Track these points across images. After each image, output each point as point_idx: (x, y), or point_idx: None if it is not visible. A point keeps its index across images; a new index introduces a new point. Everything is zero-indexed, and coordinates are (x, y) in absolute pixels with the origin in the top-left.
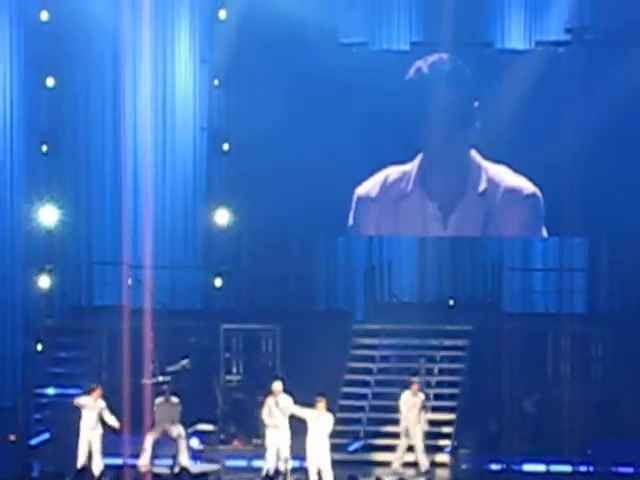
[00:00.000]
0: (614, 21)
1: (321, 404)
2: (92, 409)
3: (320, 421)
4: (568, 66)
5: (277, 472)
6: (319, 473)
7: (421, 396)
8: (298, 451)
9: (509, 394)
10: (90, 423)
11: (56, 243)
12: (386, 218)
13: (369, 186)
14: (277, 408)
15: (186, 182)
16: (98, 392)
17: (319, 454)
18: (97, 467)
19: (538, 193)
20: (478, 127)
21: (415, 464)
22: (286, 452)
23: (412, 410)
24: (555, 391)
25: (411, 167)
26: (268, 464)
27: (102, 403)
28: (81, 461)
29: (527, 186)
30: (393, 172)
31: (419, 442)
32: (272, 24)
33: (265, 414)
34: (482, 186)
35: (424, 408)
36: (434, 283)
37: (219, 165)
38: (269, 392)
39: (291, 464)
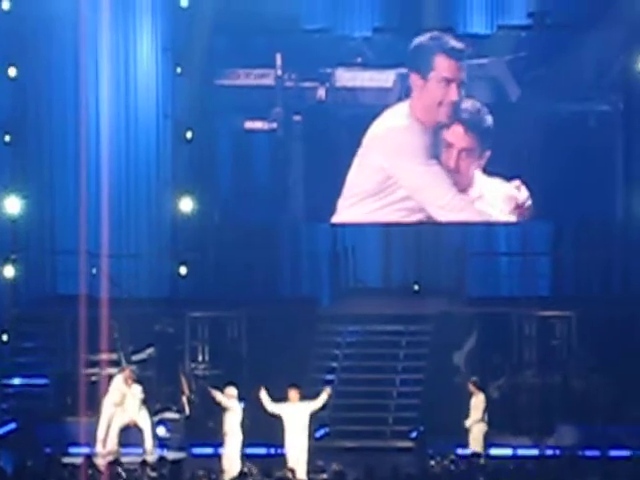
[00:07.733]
0: (575, 5)
1: (293, 394)
2: (118, 389)
3: (295, 413)
4: (529, 50)
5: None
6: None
7: (480, 396)
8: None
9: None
10: (114, 400)
11: (20, 233)
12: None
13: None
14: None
15: (150, 170)
16: (128, 373)
17: (296, 445)
18: (111, 444)
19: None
20: None
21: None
22: (237, 461)
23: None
24: (520, 375)
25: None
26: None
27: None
28: (100, 437)
29: None
30: None
31: (479, 442)
32: (234, 11)
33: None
34: None
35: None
36: (399, 268)
37: (183, 153)
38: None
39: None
